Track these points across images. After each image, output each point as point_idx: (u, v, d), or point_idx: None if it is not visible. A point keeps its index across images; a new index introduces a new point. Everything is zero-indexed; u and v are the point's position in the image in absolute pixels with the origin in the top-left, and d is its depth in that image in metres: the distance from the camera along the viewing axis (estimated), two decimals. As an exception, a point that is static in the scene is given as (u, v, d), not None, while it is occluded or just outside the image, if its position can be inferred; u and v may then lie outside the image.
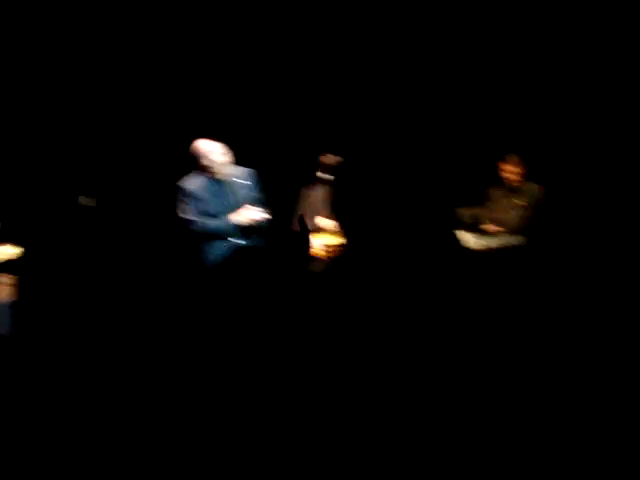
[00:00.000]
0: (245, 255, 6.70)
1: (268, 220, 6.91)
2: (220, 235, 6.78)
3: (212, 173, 6.74)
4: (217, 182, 6.77)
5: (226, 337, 6.75)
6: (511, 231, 7.87)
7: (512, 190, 8.24)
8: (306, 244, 7.74)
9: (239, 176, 6.81)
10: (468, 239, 7.80)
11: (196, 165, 6.78)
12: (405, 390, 6.19)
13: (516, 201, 8.06)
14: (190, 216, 6.73)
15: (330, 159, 8.12)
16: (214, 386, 6.30)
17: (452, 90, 9.20)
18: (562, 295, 7.62)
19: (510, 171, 8.25)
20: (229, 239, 6.80)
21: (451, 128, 9.06)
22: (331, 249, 7.78)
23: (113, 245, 9.04)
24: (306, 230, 7.88)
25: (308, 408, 5.90)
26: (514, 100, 9.08)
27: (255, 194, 6.87)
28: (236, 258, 6.65)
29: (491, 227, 7.90)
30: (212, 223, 6.74)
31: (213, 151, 6.71)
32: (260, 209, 6.83)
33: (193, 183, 6.77)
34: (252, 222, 6.77)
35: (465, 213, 8.15)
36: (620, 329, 7.12)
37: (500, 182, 8.30)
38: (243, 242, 6.78)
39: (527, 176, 8.23)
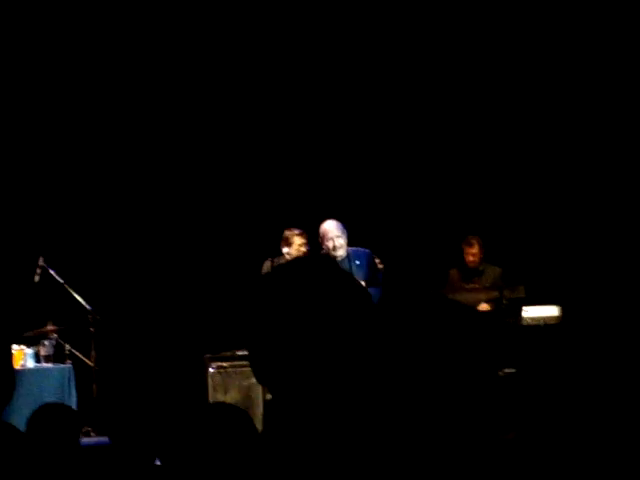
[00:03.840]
0: None
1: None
2: None
3: (331, 254, 7.06)
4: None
5: None
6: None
7: (472, 272, 8.14)
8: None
9: (355, 256, 7.10)
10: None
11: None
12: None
13: (476, 283, 7.98)
14: None
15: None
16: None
17: (414, 172, 9.19)
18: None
19: (471, 253, 8.18)
20: None
21: (412, 208, 9.00)
22: None
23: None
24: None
25: None
26: (474, 183, 9.07)
27: (367, 274, 7.09)
28: None
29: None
30: None
31: (334, 234, 7.05)
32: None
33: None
34: None
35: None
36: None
37: (461, 264, 8.21)
38: None
39: (487, 258, 8.16)
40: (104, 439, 7.30)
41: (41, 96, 9.11)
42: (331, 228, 7.08)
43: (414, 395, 1.80)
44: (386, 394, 1.81)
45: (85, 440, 7.30)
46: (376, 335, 1.85)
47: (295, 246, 7.67)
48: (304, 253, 7.69)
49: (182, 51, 9.22)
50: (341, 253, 7.05)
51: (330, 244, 7.04)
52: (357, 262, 7.05)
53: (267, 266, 7.53)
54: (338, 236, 7.03)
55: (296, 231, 7.72)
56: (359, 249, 7.16)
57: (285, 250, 7.69)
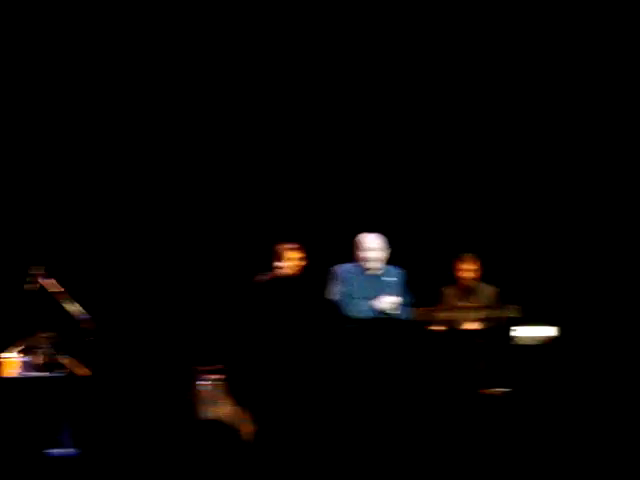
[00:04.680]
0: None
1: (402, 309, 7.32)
2: (356, 318, 7.19)
3: (364, 265, 7.17)
4: (367, 274, 7.24)
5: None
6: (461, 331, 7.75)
7: (466, 290, 8.15)
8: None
9: (388, 273, 7.29)
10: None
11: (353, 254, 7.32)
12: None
13: (470, 302, 7.98)
14: (333, 296, 7.16)
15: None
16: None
17: (411, 189, 9.22)
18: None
19: (465, 270, 8.19)
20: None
21: (407, 226, 9.02)
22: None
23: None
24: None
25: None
26: (471, 200, 9.10)
27: (400, 292, 7.29)
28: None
29: (438, 327, 7.75)
30: (351, 303, 7.17)
31: (369, 246, 7.21)
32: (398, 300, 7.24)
33: (344, 268, 7.28)
34: (390, 308, 7.18)
35: (418, 312, 8.03)
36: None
37: (455, 281, 8.22)
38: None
39: (482, 276, 8.16)
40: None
41: (38, 96, 9.12)
42: (371, 242, 7.14)
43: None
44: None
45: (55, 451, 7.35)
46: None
47: (286, 261, 7.70)
48: (298, 267, 7.73)
49: (181, 49, 9.24)
50: (376, 267, 7.18)
51: (366, 255, 7.19)
52: (391, 279, 7.18)
53: (258, 281, 7.57)
54: (377, 249, 7.19)
55: (288, 246, 7.76)
56: (394, 267, 7.26)
57: (277, 264, 7.72)
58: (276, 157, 9.38)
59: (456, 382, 7.54)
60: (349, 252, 7.42)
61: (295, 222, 9.08)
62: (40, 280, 8.23)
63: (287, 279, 7.43)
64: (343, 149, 9.38)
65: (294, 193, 9.37)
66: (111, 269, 9.19)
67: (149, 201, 9.30)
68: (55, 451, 7.45)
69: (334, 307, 7.01)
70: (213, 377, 7.80)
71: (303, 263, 7.72)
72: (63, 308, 8.25)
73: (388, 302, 7.17)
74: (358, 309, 7.18)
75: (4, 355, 8.06)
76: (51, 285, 8.23)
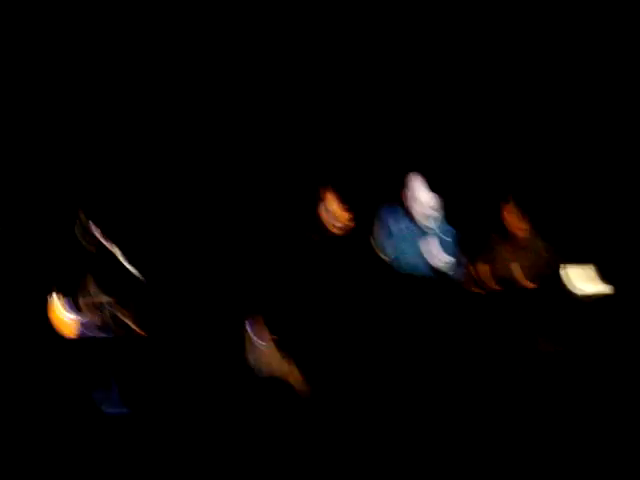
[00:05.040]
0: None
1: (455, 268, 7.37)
2: (409, 274, 7.28)
3: (416, 218, 7.23)
4: (418, 228, 7.27)
5: None
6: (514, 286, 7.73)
7: (519, 246, 8.12)
8: None
9: (441, 231, 7.31)
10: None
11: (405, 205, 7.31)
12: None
13: (523, 257, 7.95)
14: (385, 254, 7.24)
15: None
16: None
17: (461, 143, 9.17)
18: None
19: (517, 225, 8.15)
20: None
21: (457, 179, 8.98)
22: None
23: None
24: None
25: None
26: (520, 153, 9.04)
27: (452, 249, 7.35)
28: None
29: (488, 281, 7.75)
30: (404, 259, 7.20)
31: (424, 201, 7.20)
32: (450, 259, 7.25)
33: (397, 226, 7.34)
34: (442, 266, 7.22)
35: (470, 269, 8.03)
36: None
37: (505, 236, 8.19)
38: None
39: (532, 230, 8.12)
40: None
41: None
42: (421, 198, 7.19)
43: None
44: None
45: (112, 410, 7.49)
46: None
47: (335, 220, 7.73)
48: (344, 223, 7.76)
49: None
50: (428, 224, 7.20)
51: (417, 212, 7.08)
52: (444, 238, 7.18)
53: (304, 238, 7.62)
54: (426, 207, 7.21)
55: (336, 205, 7.78)
56: (447, 226, 7.27)
57: (324, 220, 7.75)
58: (321, 114, 9.37)
59: (512, 340, 7.56)
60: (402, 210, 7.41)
61: (344, 179, 9.07)
62: (98, 239, 8.34)
63: (337, 239, 7.46)
64: (388, 96, 9.34)
65: (341, 147, 9.36)
66: (161, 227, 9.27)
67: (195, 153, 9.35)
68: (111, 409, 7.60)
69: (386, 266, 7.05)
70: (268, 334, 7.87)
71: (351, 223, 7.76)
72: (120, 267, 8.35)
73: (440, 259, 7.18)
74: (410, 266, 7.20)
75: (62, 316, 8.20)
76: (108, 244, 8.33)
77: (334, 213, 7.70)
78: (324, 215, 7.69)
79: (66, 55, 9.17)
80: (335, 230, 7.67)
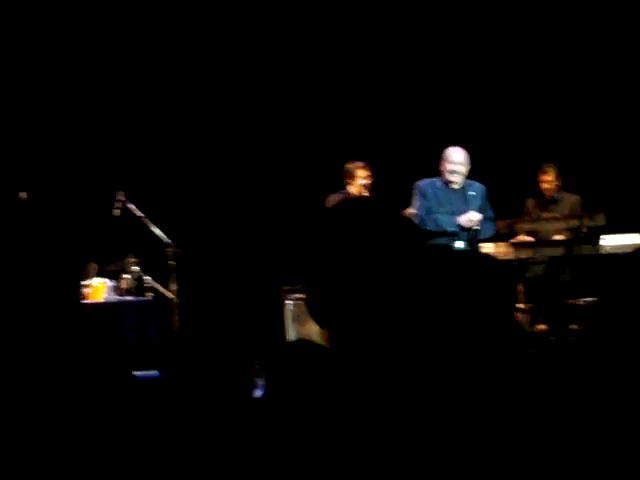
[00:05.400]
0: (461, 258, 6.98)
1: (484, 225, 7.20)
2: (438, 232, 7.13)
3: (447, 178, 7.12)
4: (449, 188, 7.15)
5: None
6: (547, 242, 7.64)
7: (549, 201, 8.04)
8: None
9: (471, 188, 7.19)
10: (497, 250, 7.57)
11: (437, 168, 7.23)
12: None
13: (553, 212, 7.87)
14: (414, 209, 7.12)
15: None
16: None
17: (490, 104, 9.08)
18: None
19: (547, 181, 8.07)
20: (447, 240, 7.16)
21: (488, 138, 8.89)
22: None
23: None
24: None
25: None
26: (549, 111, 8.93)
27: (480, 207, 7.19)
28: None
29: (523, 238, 7.66)
30: (433, 217, 7.11)
31: (454, 159, 7.10)
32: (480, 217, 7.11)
33: (426, 182, 7.21)
34: (472, 224, 7.07)
35: (501, 224, 7.95)
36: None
37: (537, 193, 8.11)
38: (461, 246, 7.11)
39: (564, 186, 8.03)
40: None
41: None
42: (455, 154, 7.13)
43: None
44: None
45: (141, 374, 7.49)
46: (423, 274, 1.88)
47: (358, 179, 7.70)
48: (367, 186, 7.72)
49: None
50: (457, 180, 7.12)
51: (449, 167, 7.11)
52: (472, 193, 7.13)
53: (330, 201, 7.56)
54: (460, 163, 7.11)
55: (359, 164, 7.74)
56: (475, 182, 7.21)
57: (348, 184, 7.72)
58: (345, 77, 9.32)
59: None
60: (432, 169, 7.35)
61: (372, 139, 9.02)
62: (126, 205, 8.34)
63: (359, 199, 7.41)
64: (416, 60, 9.26)
65: (367, 111, 9.30)
66: (191, 195, 9.25)
67: (223, 130, 9.34)
68: (141, 373, 7.62)
69: (411, 225, 6.96)
70: (298, 297, 7.86)
71: (371, 181, 7.72)
72: (149, 232, 8.35)
73: (471, 218, 7.10)
74: (440, 224, 7.14)
75: (92, 281, 8.23)
76: (135, 210, 8.33)
77: (355, 172, 7.69)
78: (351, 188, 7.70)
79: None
80: (357, 188, 7.67)
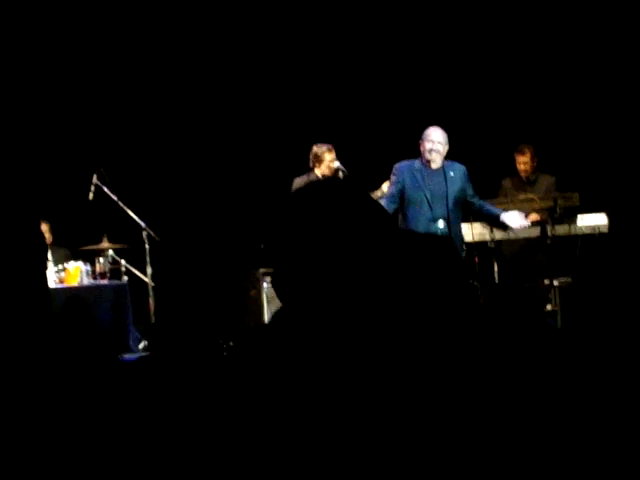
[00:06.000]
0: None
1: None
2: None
3: (426, 157, 7.05)
4: (428, 168, 7.08)
5: None
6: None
7: (525, 181, 8.06)
8: None
9: (451, 169, 7.12)
10: (472, 230, 7.59)
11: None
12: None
13: (529, 192, 7.88)
14: (390, 190, 7.13)
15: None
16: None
17: (466, 85, 9.09)
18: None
19: (523, 162, 8.09)
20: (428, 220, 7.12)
21: (465, 119, 8.90)
22: None
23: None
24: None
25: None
26: (524, 92, 8.95)
27: (460, 186, 7.13)
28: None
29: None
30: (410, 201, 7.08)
31: (433, 138, 7.03)
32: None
33: (405, 164, 7.15)
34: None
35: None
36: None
37: (513, 173, 8.13)
38: (440, 226, 7.07)
39: (540, 167, 8.05)
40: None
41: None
42: (435, 133, 7.10)
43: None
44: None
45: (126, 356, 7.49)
46: (392, 257, 1.88)
47: (325, 162, 7.69)
48: (334, 168, 7.72)
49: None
50: (436, 159, 7.09)
51: (428, 145, 7.05)
52: (451, 174, 7.09)
53: (296, 184, 7.56)
54: (439, 142, 7.05)
55: (325, 147, 7.73)
56: (455, 163, 7.19)
57: (315, 166, 7.72)
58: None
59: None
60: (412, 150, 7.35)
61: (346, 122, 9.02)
62: (101, 188, 8.31)
63: (325, 181, 7.38)
64: (394, 41, 9.26)
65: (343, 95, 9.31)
66: (166, 178, 9.23)
67: (194, 114, 9.32)
68: (126, 356, 7.61)
69: (378, 208, 6.94)
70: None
71: (336, 164, 7.73)
72: (124, 216, 8.32)
73: (450, 192, 7.08)
74: (419, 200, 7.11)
75: (68, 264, 8.19)
76: (110, 193, 8.30)
77: (322, 155, 7.71)
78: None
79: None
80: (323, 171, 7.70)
